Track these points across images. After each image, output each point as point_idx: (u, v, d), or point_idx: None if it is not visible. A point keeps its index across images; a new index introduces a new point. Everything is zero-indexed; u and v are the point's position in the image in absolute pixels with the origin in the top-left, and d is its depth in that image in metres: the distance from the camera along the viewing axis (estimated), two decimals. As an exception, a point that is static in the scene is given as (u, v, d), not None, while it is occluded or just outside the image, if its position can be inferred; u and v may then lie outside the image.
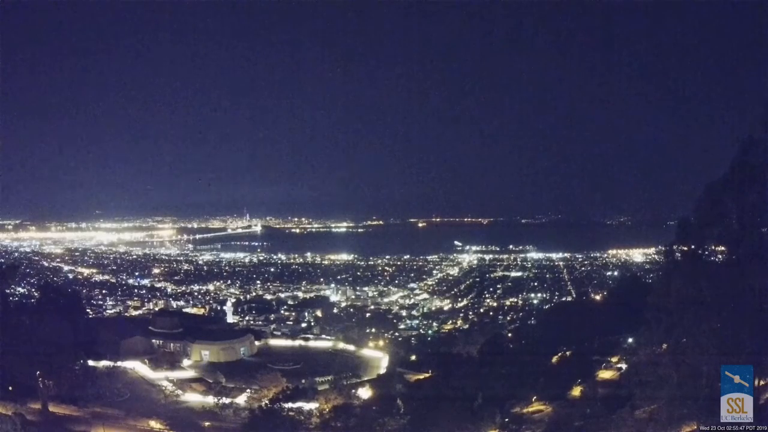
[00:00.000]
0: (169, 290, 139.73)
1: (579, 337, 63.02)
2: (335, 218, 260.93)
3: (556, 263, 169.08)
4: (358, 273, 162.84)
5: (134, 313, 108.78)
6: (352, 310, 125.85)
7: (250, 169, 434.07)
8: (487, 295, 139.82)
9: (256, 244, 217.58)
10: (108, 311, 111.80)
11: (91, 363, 50.70)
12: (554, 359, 57.63)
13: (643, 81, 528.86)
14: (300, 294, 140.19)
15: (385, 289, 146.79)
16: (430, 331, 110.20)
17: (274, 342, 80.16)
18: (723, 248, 26.97)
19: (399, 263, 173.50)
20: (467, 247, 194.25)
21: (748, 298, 24.12)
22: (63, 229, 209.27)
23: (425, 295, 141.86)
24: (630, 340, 45.76)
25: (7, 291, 55.96)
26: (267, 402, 46.11)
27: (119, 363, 56.76)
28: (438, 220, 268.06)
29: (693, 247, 27.01)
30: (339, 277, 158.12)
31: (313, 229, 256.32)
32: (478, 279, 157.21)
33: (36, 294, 78.61)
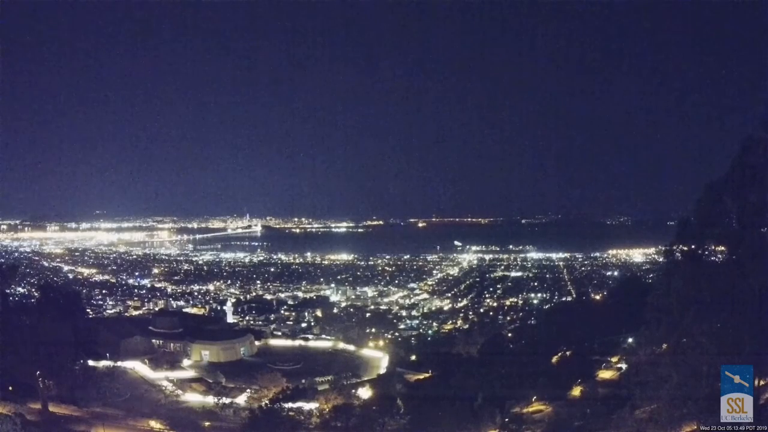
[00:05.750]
0: (169, 290, 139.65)
1: (579, 337, 63.27)
2: (335, 218, 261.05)
3: (556, 263, 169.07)
4: (358, 273, 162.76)
5: (134, 313, 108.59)
6: (352, 310, 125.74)
7: (250, 169, 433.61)
8: (487, 295, 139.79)
9: (256, 244, 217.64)
10: (108, 311, 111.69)
11: (91, 363, 50.54)
12: (554, 359, 57.82)
13: (643, 80, 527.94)
14: (300, 294, 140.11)
15: (385, 289, 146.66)
16: (430, 331, 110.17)
17: (274, 342, 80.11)
18: (723, 248, 26.90)
19: (399, 263, 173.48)
20: (467, 247, 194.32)
21: (748, 298, 24.06)
22: (63, 229, 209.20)
23: (425, 295, 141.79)
24: (630, 340, 45.77)
25: (7, 291, 55.88)
26: (267, 402, 45.99)
27: (119, 363, 56.69)
28: (438, 220, 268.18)
29: (693, 247, 26.90)
30: (339, 277, 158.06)
31: (313, 229, 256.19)
32: (478, 279, 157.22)
33: (36, 294, 78.38)
